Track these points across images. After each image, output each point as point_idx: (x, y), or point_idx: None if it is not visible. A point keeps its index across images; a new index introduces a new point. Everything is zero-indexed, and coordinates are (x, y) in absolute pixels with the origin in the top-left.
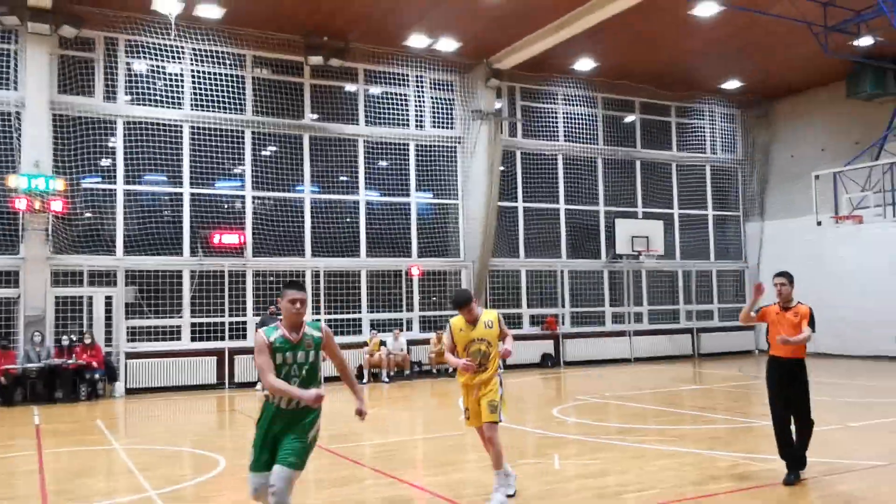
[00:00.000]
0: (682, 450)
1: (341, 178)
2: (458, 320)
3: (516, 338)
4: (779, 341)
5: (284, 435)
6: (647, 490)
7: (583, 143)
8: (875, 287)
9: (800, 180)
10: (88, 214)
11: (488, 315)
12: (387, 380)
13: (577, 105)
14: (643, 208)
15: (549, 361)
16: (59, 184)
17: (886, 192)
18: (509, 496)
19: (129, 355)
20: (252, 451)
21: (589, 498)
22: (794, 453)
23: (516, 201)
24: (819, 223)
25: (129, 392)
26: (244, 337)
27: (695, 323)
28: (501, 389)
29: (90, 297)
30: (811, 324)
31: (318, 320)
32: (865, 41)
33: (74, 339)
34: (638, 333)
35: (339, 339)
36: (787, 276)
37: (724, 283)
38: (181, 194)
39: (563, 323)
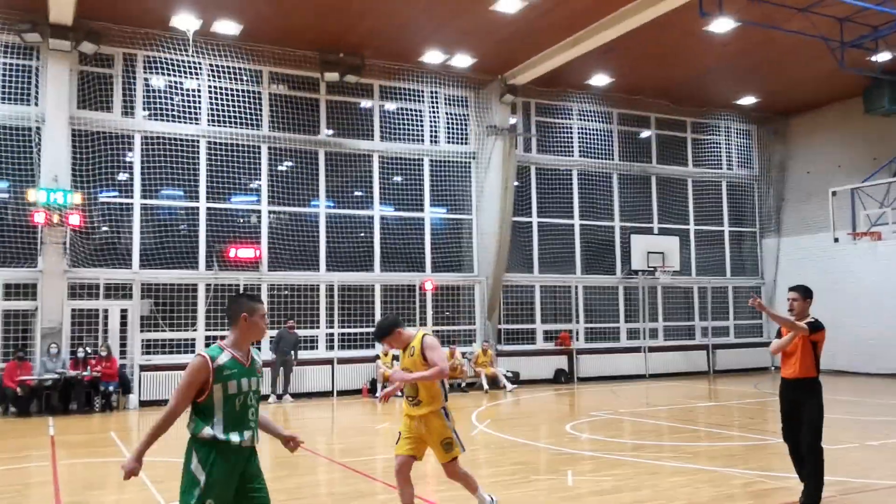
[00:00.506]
0: (697, 467)
1: (356, 193)
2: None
3: (529, 353)
4: (770, 351)
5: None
6: None
7: (598, 158)
8: (893, 304)
9: (816, 196)
10: (105, 228)
11: (415, 339)
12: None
13: (592, 120)
14: (659, 224)
15: (562, 377)
16: (76, 198)
17: None
18: None
19: (144, 368)
20: (202, 501)
21: None
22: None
23: (531, 216)
24: (836, 240)
25: (143, 404)
26: (258, 350)
27: (710, 339)
28: (450, 423)
29: (106, 310)
30: (810, 324)
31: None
32: (883, 56)
33: (90, 351)
34: (653, 349)
35: (351, 353)
36: (800, 291)
37: (740, 299)
38: (197, 208)
39: (577, 339)
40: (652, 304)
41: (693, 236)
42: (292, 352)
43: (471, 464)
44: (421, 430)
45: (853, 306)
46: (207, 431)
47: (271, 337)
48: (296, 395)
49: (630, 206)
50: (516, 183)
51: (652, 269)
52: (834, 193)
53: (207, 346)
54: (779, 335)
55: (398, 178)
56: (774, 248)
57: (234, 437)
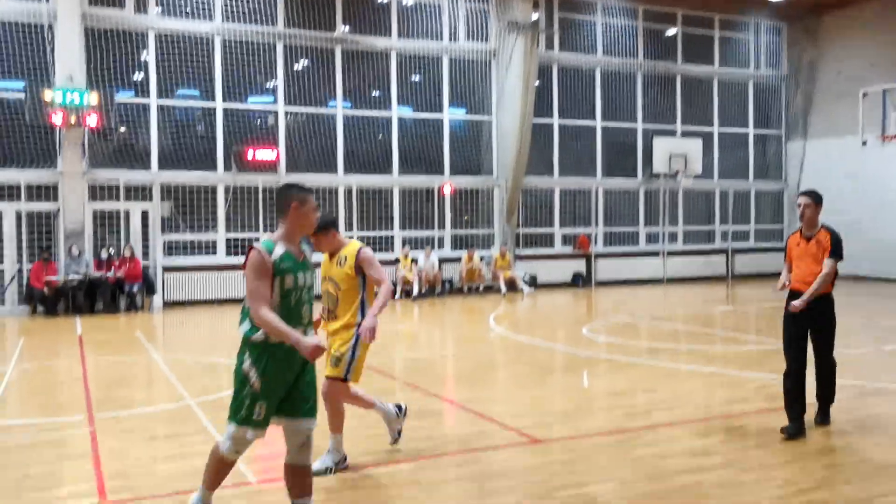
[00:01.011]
0: (712, 370)
1: (374, 94)
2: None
3: (547, 257)
4: (791, 310)
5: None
6: (675, 408)
7: (622, 57)
8: None
9: (846, 98)
10: (123, 129)
11: (347, 249)
12: (418, 297)
13: (616, 16)
14: (682, 126)
15: (580, 281)
16: (93, 98)
17: None
18: (330, 469)
19: (167, 269)
20: (253, 402)
21: (617, 416)
22: (820, 398)
23: (552, 118)
24: (864, 143)
25: (167, 305)
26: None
27: (730, 244)
28: (356, 347)
29: (127, 212)
30: (834, 253)
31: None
32: None
33: (113, 252)
34: (672, 254)
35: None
36: (811, 196)
37: (763, 203)
38: (214, 109)
39: (595, 243)
40: (672, 208)
41: (717, 139)
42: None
43: (488, 364)
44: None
45: (878, 211)
46: (261, 333)
47: (252, 240)
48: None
49: (653, 108)
50: (537, 83)
51: (674, 172)
52: (865, 95)
53: (231, 248)
54: (788, 264)
55: (416, 78)
56: (800, 152)
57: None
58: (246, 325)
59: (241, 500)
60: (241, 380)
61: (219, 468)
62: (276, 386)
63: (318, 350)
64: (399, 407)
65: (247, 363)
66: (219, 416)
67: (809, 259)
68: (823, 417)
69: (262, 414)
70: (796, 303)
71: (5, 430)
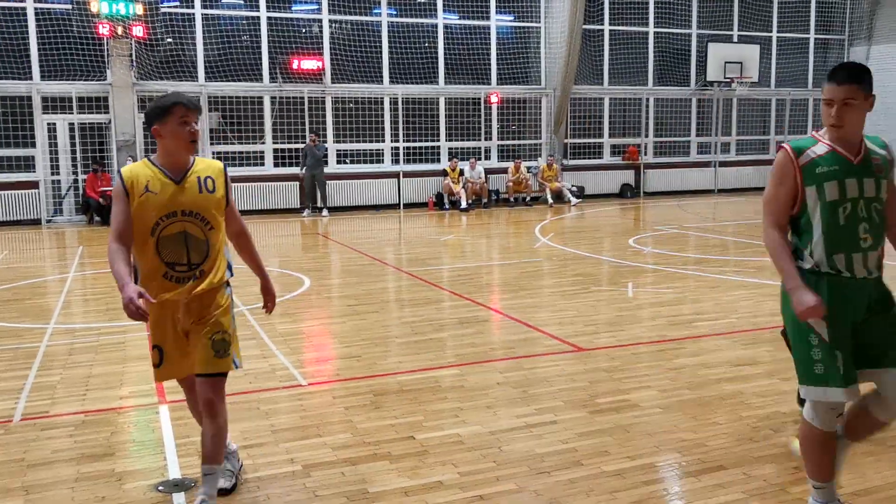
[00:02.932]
0: (761, 281)
1: (419, 0)
2: (138, 167)
3: (596, 168)
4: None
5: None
6: (720, 319)
7: None
8: None
9: None
10: (169, 40)
11: (207, 167)
12: (465, 207)
13: None
14: (739, 31)
15: (628, 192)
16: (139, 8)
17: None
18: (225, 490)
19: None
20: (826, 354)
21: (661, 325)
22: None
23: (602, 24)
24: None
25: None
26: (325, 163)
27: None
28: (233, 314)
29: None
30: None
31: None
32: None
33: None
34: (724, 164)
35: (416, 167)
36: (859, 80)
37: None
38: (258, 18)
39: (644, 153)
40: (726, 118)
41: (775, 44)
42: (321, 166)
43: (534, 274)
44: (182, 321)
45: None
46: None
47: (299, 150)
48: (360, 208)
49: (709, 12)
50: None
51: (728, 79)
52: None
53: (278, 159)
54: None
55: None
56: (863, 57)
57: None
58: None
59: (293, 401)
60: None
61: (812, 448)
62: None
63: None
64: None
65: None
66: (270, 323)
67: None
68: None
69: (833, 369)
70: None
71: (70, 332)
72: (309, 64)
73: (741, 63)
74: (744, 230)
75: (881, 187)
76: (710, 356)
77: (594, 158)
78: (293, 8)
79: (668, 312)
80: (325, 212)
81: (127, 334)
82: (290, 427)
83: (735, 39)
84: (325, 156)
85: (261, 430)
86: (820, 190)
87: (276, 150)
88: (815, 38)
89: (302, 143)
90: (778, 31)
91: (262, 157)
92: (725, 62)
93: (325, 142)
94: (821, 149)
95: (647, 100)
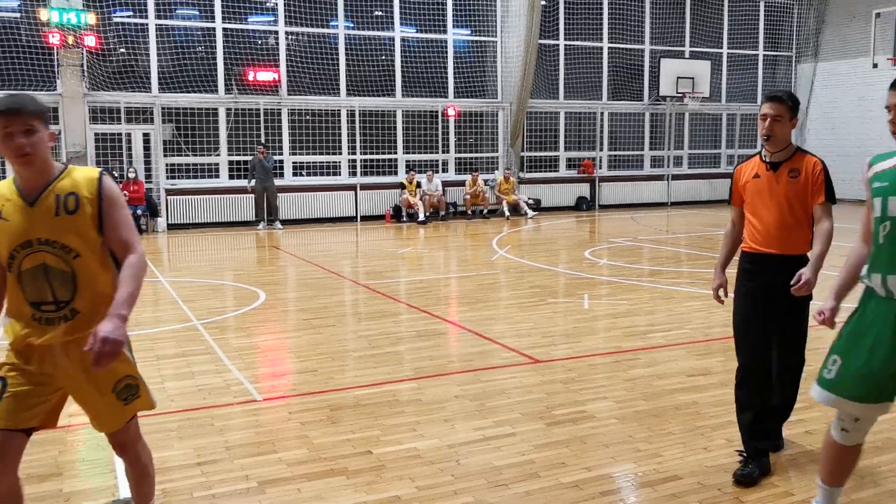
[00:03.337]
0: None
1: (376, 13)
2: (1, 187)
3: (552, 181)
4: (794, 292)
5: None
6: (674, 330)
7: None
8: None
9: (859, 19)
10: (122, 50)
11: (74, 182)
12: (422, 220)
13: None
14: (690, 47)
15: (584, 205)
16: (90, 18)
17: None
18: None
19: (170, 192)
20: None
21: (617, 336)
22: (767, 427)
23: (558, 39)
24: (875, 65)
25: (171, 227)
26: (281, 175)
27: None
28: (131, 353)
29: (128, 134)
30: (830, 192)
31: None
32: None
33: (116, 175)
34: (676, 177)
35: (374, 180)
36: (783, 102)
37: None
38: (213, 29)
39: (599, 166)
40: (678, 132)
41: (725, 60)
42: (271, 178)
43: (491, 286)
44: (65, 370)
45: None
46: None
47: (247, 163)
48: (316, 221)
49: (661, 28)
50: (543, 2)
51: (680, 94)
52: (878, 15)
53: (233, 171)
54: (738, 209)
55: None
56: (809, 74)
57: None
58: None
59: (248, 416)
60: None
61: (824, 448)
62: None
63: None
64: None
65: None
66: (224, 337)
67: (780, 196)
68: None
69: (833, 371)
70: (804, 274)
71: None
72: (265, 76)
73: (693, 78)
74: (696, 242)
75: None
76: (664, 367)
77: (550, 171)
78: (249, 20)
79: (624, 324)
80: (278, 224)
81: None
82: (244, 443)
83: (687, 55)
84: (275, 168)
85: (215, 447)
86: (874, 204)
87: (231, 163)
88: (764, 55)
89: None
90: (728, 48)
91: (217, 170)
92: (678, 77)
93: (278, 154)
94: (889, 163)
95: (602, 114)
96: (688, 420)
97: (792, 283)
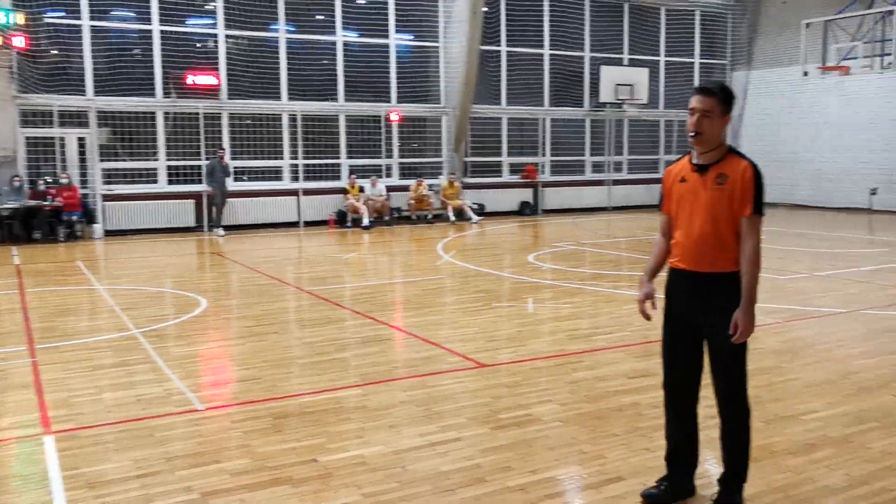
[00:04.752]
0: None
1: (318, 17)
2: None
3: (495, 186)
4: (735, 342)
5: None
6: (616, 333)
7: None
8: (854, 140)
9: (790, 29)
10: (55, 51)
11: None
12: (367, 225)
13: None
14: (629, 55)
15: (527, 209)
16: (19, 18)
17: (876, 42)
18: None
19: (106, 197)
20: None
21: (561, 339)
22: (687, 464)
23: (500, 45)
24: (805, 73)
25: (108, 234)
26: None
27: None
28: None
29: (62, 139)
30: (759, 204)
31: None
32: None
33: (50, 180)
34: (617, 182)
35: (317, 185)
36: (713, 94)
37: None
38: (150, 32)
39: (542, 172)
40: (618, 138)
41: (662, 68)
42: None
43: (435, 291)
44: None
45: (815, 141)
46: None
47: (195, 168)
48: (258, 226)
49: (601, 36)
50: (485, 8)
51: (620, 101)
52: (807, 25)
53: (173, 176)
54: (667, 217)
55: (361, 0)
56: (743, 81)
57: None
58: None
59: (189, 427)
60: None
61: None
62: None
63: None
64: None
65: None
66: (164, 346)
67: (707, 203)
68: (728, 497)
69: None
70: (737, 320)
71: None
72: (204, 79)
73: (632, 85)
74: (636, 246)
75: None
76: (606, 369)
77: (494, 177)
78: (187, 22)
79: (567, 327)
80: (220, 230)
81: (8, 361)
82: (186, 454)
83: (626, 63)
84: (230, 173)
85: (154, 459)
86: None
87: (170, 168)
88: (700, 63)
89: (197, 159)
90: (665, 56)
91: (156, 175)
92: (617, 84)
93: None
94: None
95: (544, 120)
96: (630, 421)
97: (730, 332)
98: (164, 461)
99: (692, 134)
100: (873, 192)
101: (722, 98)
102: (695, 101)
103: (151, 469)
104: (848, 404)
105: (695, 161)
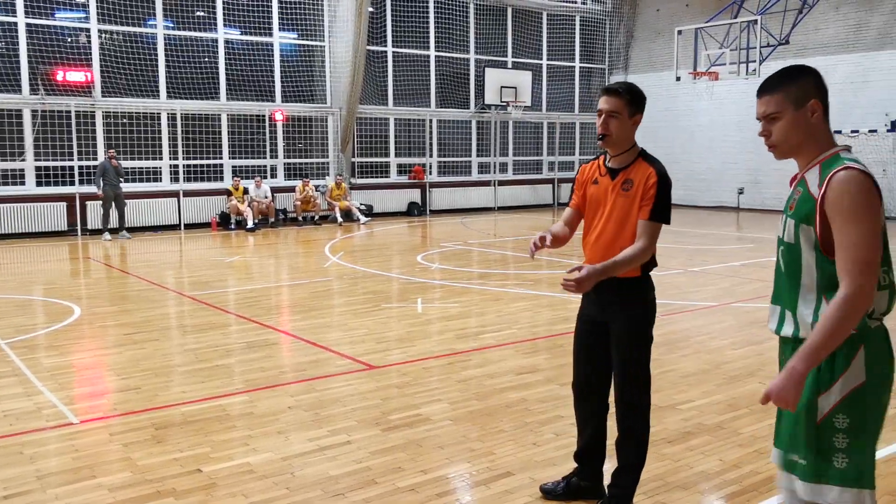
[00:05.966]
0: (538, 293)
1: (198, 13)
2: None
3: (383, 186)
4: (563, 281)
5: None
6: (503, 330)
7: None
8: (723, 142)
9: (663, 35)
10: None
11: None
12: (251, 227)
13: None
14: (513, 58)
15: (415, 210)
16: None
17: (742, 50)
18: None
19: None
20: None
21: (450, 339)
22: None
23: (386, 46)
24: (678, 79)
25: None
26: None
27: (556, 174)
28: None
29: None
30: (658, 210)
31: None
32: None
33: None
34: (502, 183)
35: (198, 186)
36: (619, 95)
37: (587, 135)
38: (15, 24)
39: (430, 172)
40: (503, 139)
41: (545, 71)
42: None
43: (323, 294)
44: None
45: (687, 144)
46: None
47: (93, 168)
48: (137, 229)
49: (485, 39)
50: (371, 8)
51: (504, 103)
52: (680, 32)
53: (42, 177)
54: (573, 210)
55: None
56: None
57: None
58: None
59: (63, 441)
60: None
61: None
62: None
63: None
64: None
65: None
66: (34, 357)
67: (616, 207)
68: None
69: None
70: (574, 276)
71: None
72: (75, 76)
73: (516, 88)
74: (522, 245)
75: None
76: (495, 366)
77: (382, 177)
78: (56, 15)
79: (456, 326)
80: (125, 233)
81: None
82: (59, 471)
83: (510, 66)
84: (123, 173)
85: (25, 477)
86: None
87: (38, 168)
88: (580, 67)
89: (69, 160)
90: (547, 59)
91: (23, 176)
92: (501, 87)
93: (92, 159)
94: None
95: (431, 121)
96: (518, 417)
97: (568, 271)
98: (34, 479)
99: (600, 136)
100: (740, 191)
101: (629, 99)
102: (602, 102)
103: (21, 489)
104: (720, 393)
105: (608, 164)
